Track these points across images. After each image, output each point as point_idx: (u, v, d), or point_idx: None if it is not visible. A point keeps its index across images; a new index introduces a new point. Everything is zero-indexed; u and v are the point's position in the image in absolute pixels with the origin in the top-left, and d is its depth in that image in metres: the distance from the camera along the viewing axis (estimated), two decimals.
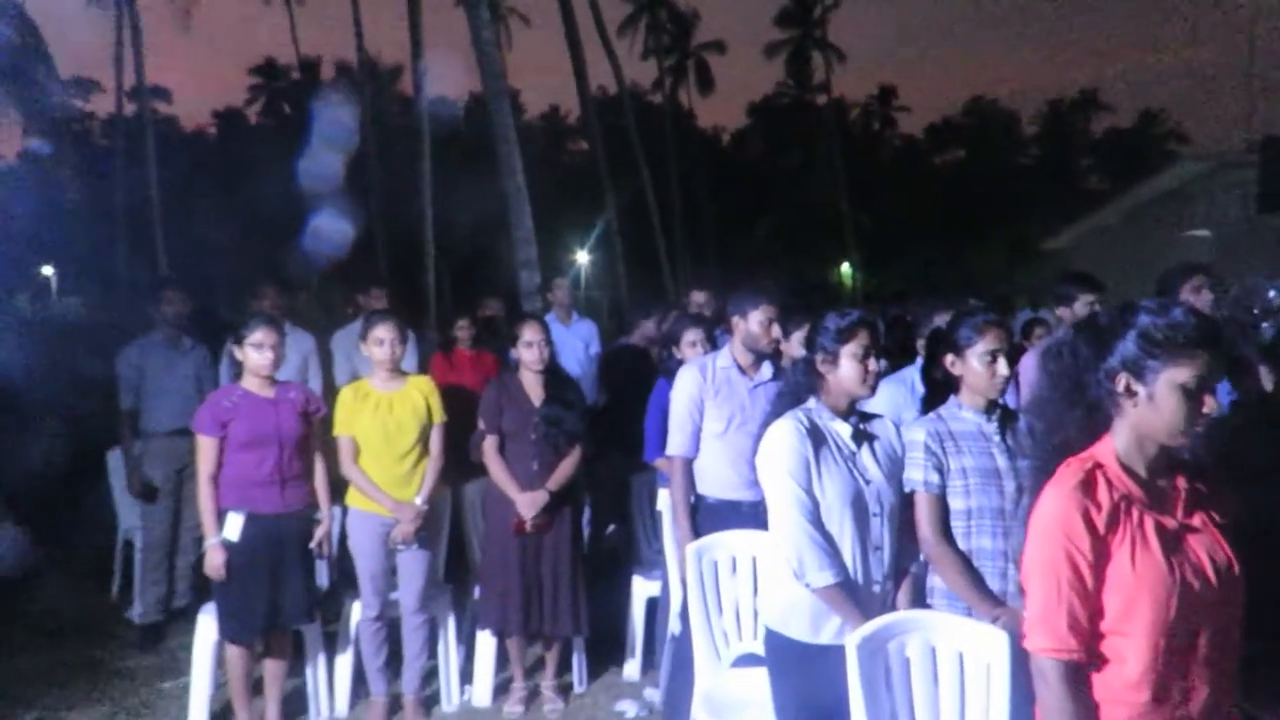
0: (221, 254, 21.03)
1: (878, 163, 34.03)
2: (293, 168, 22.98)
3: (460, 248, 25.29)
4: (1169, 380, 1.64)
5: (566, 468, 4.01)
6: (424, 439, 4.01)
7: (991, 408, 2.62)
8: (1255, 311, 2.36)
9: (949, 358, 2.64)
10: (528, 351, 3.99)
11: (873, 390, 2.58)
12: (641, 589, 4.45)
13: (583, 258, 32.84)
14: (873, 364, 2.54)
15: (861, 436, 2.61)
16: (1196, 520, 1.71)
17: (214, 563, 3.60)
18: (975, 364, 2.58)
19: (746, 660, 3.15)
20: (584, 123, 26.32)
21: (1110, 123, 32.59)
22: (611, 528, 5.29)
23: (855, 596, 2.50)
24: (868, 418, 2.69)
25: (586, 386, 5.37)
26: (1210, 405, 1.63)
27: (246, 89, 44.16)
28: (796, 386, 2.65)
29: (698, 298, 5.48)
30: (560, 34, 22.54)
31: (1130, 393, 1.69)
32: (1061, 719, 1.68)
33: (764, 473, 2.59)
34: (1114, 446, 1.74)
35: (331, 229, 19.39)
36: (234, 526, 3.60)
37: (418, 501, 3.96)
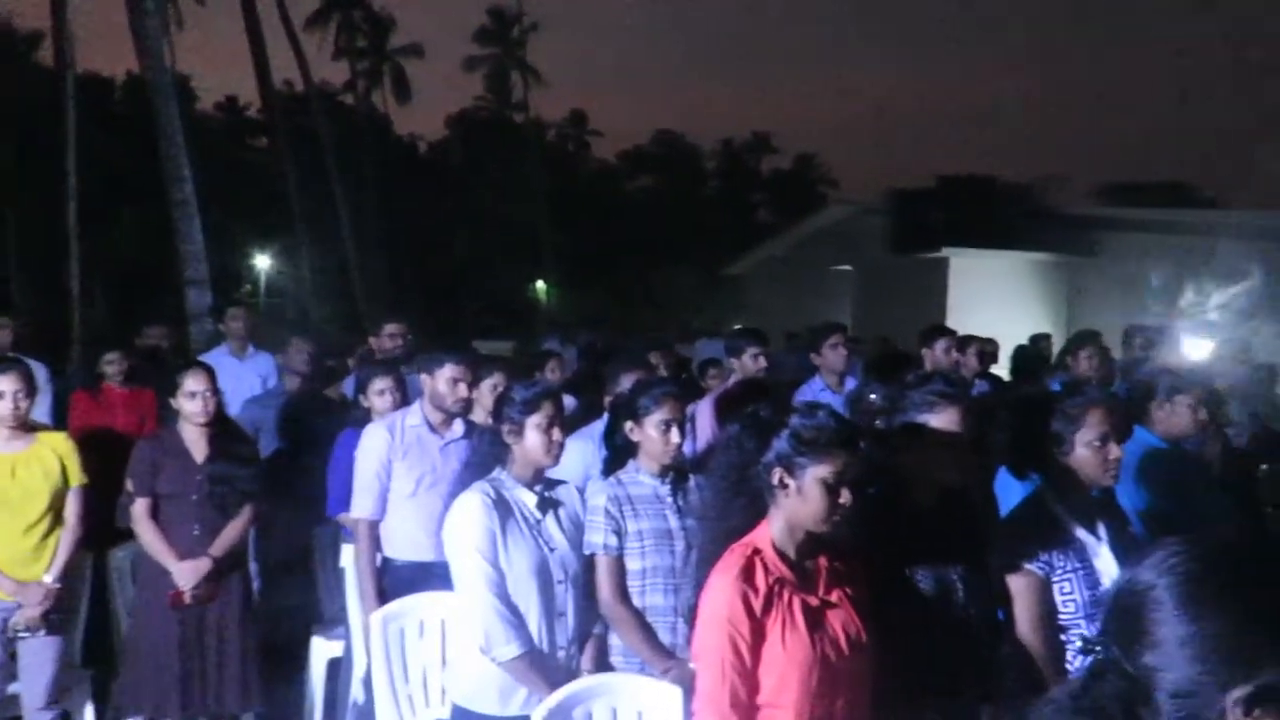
0: None
1: (575, 185, 35.23)
2: None
3: (118, 262, 22.29)
4: (815, 475, 1.84)
5: (234, 530, 3.66)
6: (57, 506, 3.47)
7: (666, 471, 2.78)
8: (864, 416, 2.75)
9: (629, 424, 2.77)
10: (190, 403, 3.59)
11: (556, 460, 2.64)
12: (322, 650, 4.17)
13: (263, 262, 30.50)
14: (556, 434, 2.60)
15: (546, 504, 2.66)
16: (835, 596, 1.93)
17: None
18: (652, 432, 2.73)
19: None
20: (266, 118, 24.47)
21: (776, 164, 36.62)
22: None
23: (542, 665, 2.54)
24: (552, 485, 2.75)
25: (266, 427, 4.97)
26: (846, 498, 1.86)
27: None
28: (484, 456, 2.66)
29: (390, 329, 5.28)
30: (239, 17, 20.79)
31: (784, 485, 1.88)
32: None
33: (450, 548, 2.57)
34: (770, 533, 1.92)
35: None
36: None
37: (47, 579, 3.41)
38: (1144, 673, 0.98)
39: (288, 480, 4.41)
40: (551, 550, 2.62)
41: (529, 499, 2.64)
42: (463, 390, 3.37)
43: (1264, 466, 4.69)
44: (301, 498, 4.40)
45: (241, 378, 5.48)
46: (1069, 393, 2.38)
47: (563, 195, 32.49)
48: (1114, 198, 23.49)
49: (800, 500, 1.86)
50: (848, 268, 17.67)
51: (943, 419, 2.14)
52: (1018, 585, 2.25)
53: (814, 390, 4.47)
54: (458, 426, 3.50)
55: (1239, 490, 4.22)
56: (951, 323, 13.01)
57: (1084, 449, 2.30)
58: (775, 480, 1.88)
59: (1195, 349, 6.26)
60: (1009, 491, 2.84)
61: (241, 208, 26.08)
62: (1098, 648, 1.06)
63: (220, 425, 3.72)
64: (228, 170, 26.14)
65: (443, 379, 3.36)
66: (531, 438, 2.58)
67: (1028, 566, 2.25)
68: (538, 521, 2.62)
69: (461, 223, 31.59)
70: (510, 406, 2.60)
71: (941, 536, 2.16)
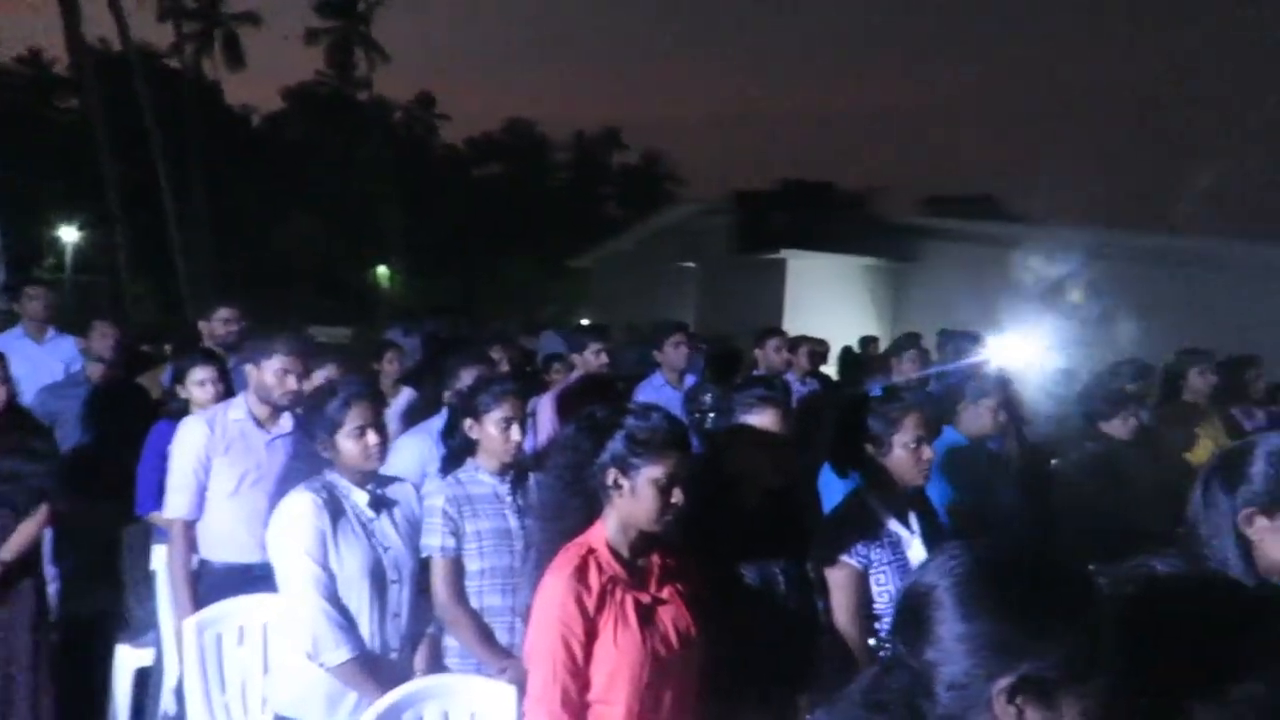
0: None
1: (421, 169, 34.18)
2: None
3: None
4: (647, 476, 1.88)
5: (27, 532, 3.34)
6: None
7: (506, 470, 2.76)
8: (696, 415, 2.84)
9: (468, 422, 2.73)
10: None
11: (378, 462, 2.57)
12: (129, 659, 3.88)
13: (70, 234, 27.90)
14: (372, 438, 2.52)
15: (380, 504, 2.59)
16: (666, 593, 1.98)
17: None
18: (492, 430, 2.70)
19: None
20: (76, 76, 22.32)
21: (625, 159, 36.94)
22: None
23: (374, 669, 2.47)
24: (386, 483, 2.67)
25: (67, 419, 4.55)
26: (677, 498, 1.90)
27: None
28: (313, 453, 2.56)
29: (223, 314, 4.94)
30: None
31: (618, 486, 1.91)
32: None
33: (276, 549, 2.46)
34: (605, 532, 1.95)
35: None
36: None
37: None
38: (925, 667, 1.07)
39: (90, 477, 4.07)
40: (386, 550, 2.55)
41: (361, 498, 2.55)
42: (292, 382, 3.20)
43: (1055, 461, 5.16)
44: (107, 496, 4.07)
45: (39, 363, 5.01)
46: (888, 396, 2.54)
47: (408, 179, 31.46)
48: (935, 208, 25.15)
49: (634, 500, 1.90)
50: (692, 265, 18.09)
51: (763, 419, 2.24)
52: (836, 578, 2.38)
53: (654, 386, 4.55)
54: (285, 421, 3.33)
55: (1034, 483, 4.62)
56: (788, 322, 13.64)
57: (901, 450, 2.46)
58: (610, 481, 1.91)
59: (1001, 353, 6.82)
60: (831, 489, 2.99)
61: (46, 173, 23.75)
62: (887, 645, 1.14)
63: (11, 416, 3.38)
64: (30, 131, 23.73)
65: (270, 370, 3.18)
66: (347, 447, 2.50)
67: (846, 560, 2.38)
68: (371, 521, 2.55)
69: (297, 201, 30.02)
70: (316, 424, 2.51)
71: (764, 533, 2.26)
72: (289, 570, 2.43)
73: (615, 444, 1.90)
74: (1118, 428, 3.69)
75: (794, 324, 12.38)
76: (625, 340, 9.55)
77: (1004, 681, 1.02)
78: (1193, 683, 1.29)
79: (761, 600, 2.25)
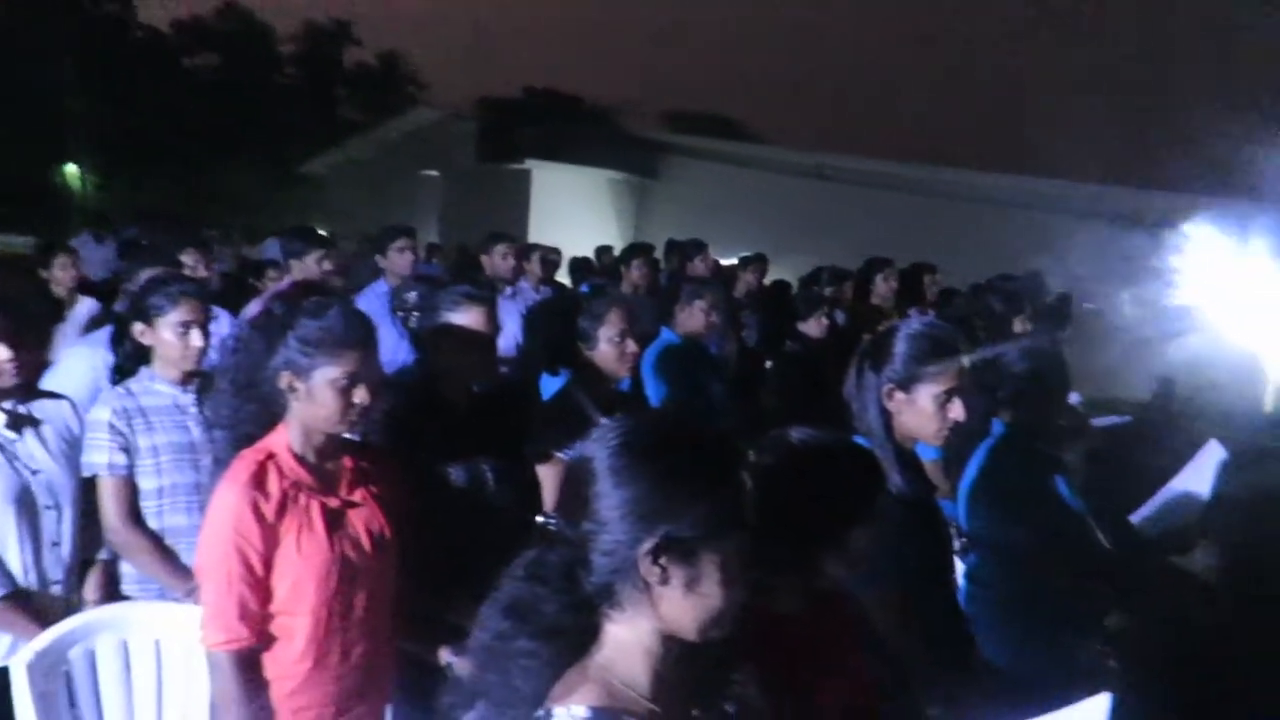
0: None
1: (119, 54, 29.69)
2: None
3: None
4: (324, 378, 1.76)
5: None
6: None
7: (189, 379, 2.51)
8: (401, 314, 2.72)
9: (139, 326, 2.44)
10: None
11: (12, 379, 2.24)
12: None
13: None
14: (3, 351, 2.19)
15: (23, 422, 2.26)
16: (359, 496, 1.90)
17: None
18: (167, 335, 2.43)
19: None
20: None
21: (360, 57, 34.25)
22: None
23: (28, 606, 2.20)
24: (33, 398, 2.33)
25: None
26: (362, 397, 1.80)
27: None
28: None
29: None
30: None
31: (293, 389, 1.78)
32: (235, 707, 1.73)
33: None
34: (287, 437, 1.82)
35: None
36: None
37: None
38: (582, 538, 1.09)
39: None
40: (35, 473, 2.24)
41: None
42: None
43: (769, 363, 5.57)
44: None
45: None
46: (594, 294, 2.57)
47: (100, 65, 27.27)
48: (677, 125, 25.87)
49: (312, 403, 1.78)
50: (435, 174, 17.41)
51: (469, 318, 2.18)
52: (546, 473, 2.41)
53: (377, 294, 4.34)
54: None
55: (748, 383, 4.97)
56: (534, 234, 13.56)
57: (606, 344, 2.51)
58: (284, 384, 1.78)
59: (728, 263, 7.20)
60: (547, 387, 3.02)
61: None
62: (553, 521, 1.15)
63: None
64: None
65: None
66: None
67: (557, 455, 2.42)
68: (12, 443, 2.22)
69: None
70: None
71: (471, 431, 2.22)
72: None
73: (288, 346, 1.76)
74: (813, 328, 4.02)
75: (539, 236, 12.32)
76: (357, 251, 9.07)
77: (648, 544, 1.05)
78: (820, 533, 1.44)
79: (468, 499, 2.23)
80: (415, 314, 2.23)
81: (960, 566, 2.51)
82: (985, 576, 2.47)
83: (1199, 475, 2.91)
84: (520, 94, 18.25)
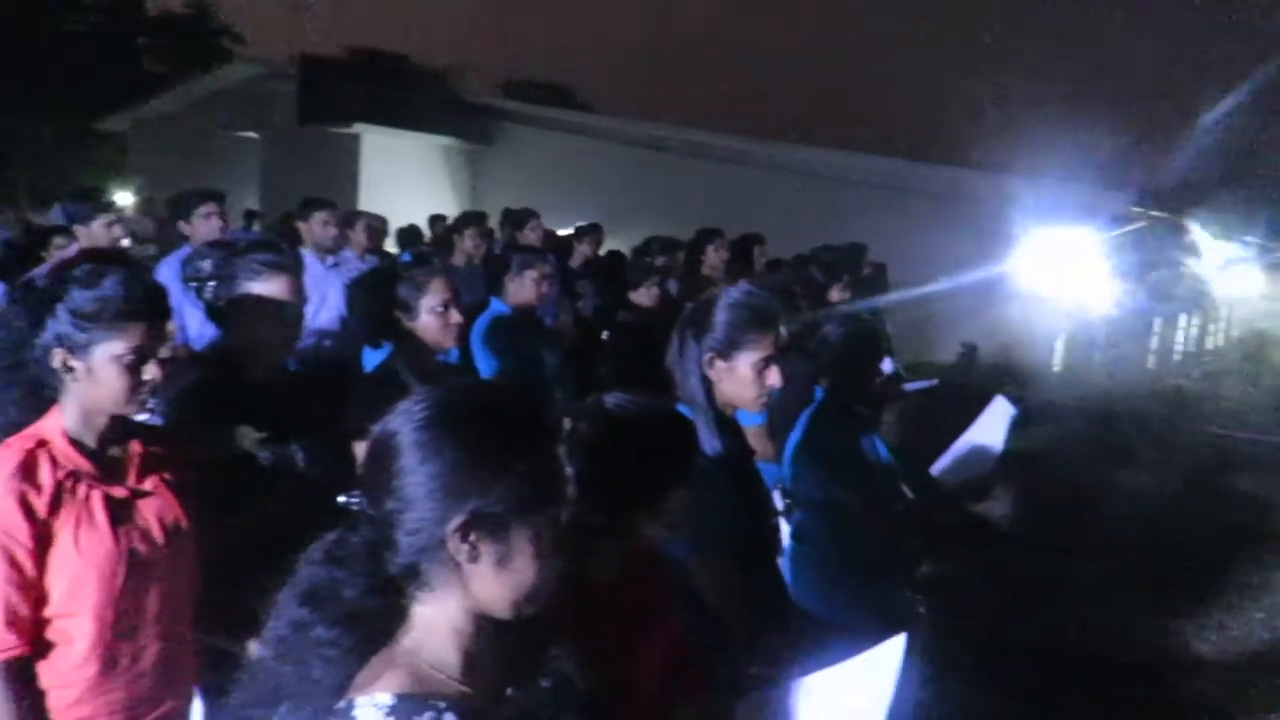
0: None
1: None
2: None
3: None
4: (106, 353, 1.60)
5: None
6: None
7: None
8: (194, 284, 2.51)
9: None
10: None
11: None
12: None
13: None
14: None
15: None
16: (150, 483, 1.73)
17: None
18: None
19: None
20: None
21: (166, 4, 31.35)
22: None
23: None
24: None
25: None
26: (152, 373, 1.65)
27: None
28: None
29: None
30: None
31: (69, 368, 1.60)
32: (7, 719, 1.56)
33: None
34: (63, 422, 1.64)
35: None
36: None
37: None
38: (387, 517, 1.03)
39: None
40: None
41: None
42: None
43: (605, 334, 5.58)
44: None
45: None
46: (415, 262, 2.47)
47: None
48: (513, 92, 25.36)
49: (93, 383, 1.61)
50: (253, 135, 16.29)
51: (271, 287, 2.04)
52: (361, 449, 2.30)
53: (180, 261, 4.01)
54: None
55: (585, 353, 4.95)
56: (364, 202, 12.98)
57: (429, 315, 2.42)
58: (58, 363, 1.59)
59: (565, 232, 7.15)
60: (369, 360, 2.89)
61: None
62: (355, 500, 1.08)
63: None
64: None
65: None
66: None
67: (375, 430, 2.31)
68: None
69: None
70: None
71: (280, 409, 2.09)
72: None
73: (58, 320, 1.58)
74: (644, 297, 4.04)
75: (370, 204, 11.79)
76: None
77: (456, 521, 1.01)
78: (636, 497, 1.44)
79: (276, 481, 2.09)
80: (210, 284, 2.04)
81: (786, 526, 2.62)
82: (809, 534, 2.58)
83: (990, 430, 3.15)
84: (344, 53, 17.20)
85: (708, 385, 1.92)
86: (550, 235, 6.59)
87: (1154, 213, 13.63)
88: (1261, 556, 5.06)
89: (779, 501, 2.58)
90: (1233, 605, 4.48)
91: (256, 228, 9.13)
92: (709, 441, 1.86)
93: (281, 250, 2.10)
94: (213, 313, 2.07)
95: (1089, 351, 13.43)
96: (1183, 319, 16.44)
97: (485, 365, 3.43)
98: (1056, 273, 11.29)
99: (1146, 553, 4.91)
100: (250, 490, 2.02)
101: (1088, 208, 11.74)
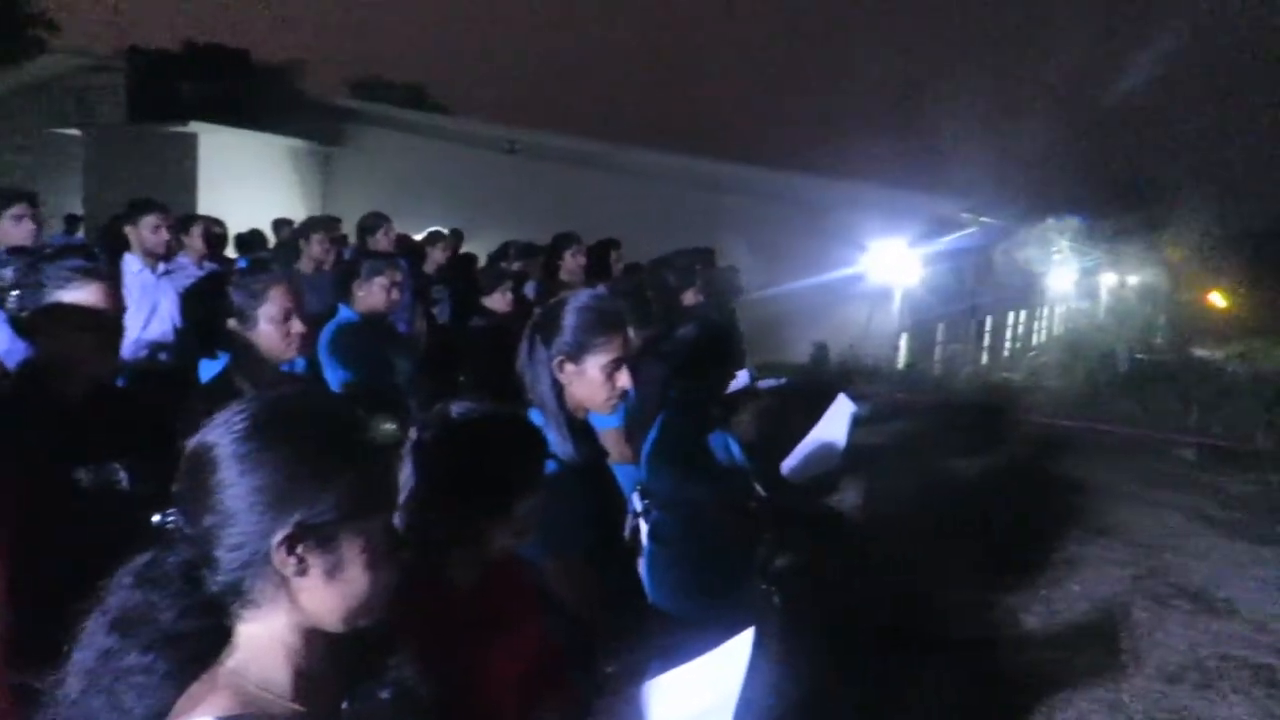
0: None
1: None
2: None
3: None
4: None
5: None
6: None
7: None
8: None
9: None
10: None
11: None
12: None
13: None
14: None
15: None
16: None
17: None
18: None
19: None
20: None
21: None
22: None
23: None
24: None
25: None
26: None
27: None
28: None
29: None
30: None
31: None
32: None
33: None
34: None
35: None
36: None
37: None
38: (205, 534, 0.98)
39: None
40: None
41: None
42: None
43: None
44: None
45: None
46: (252, 269, 2.35)
47: None
48: (363, 92, 24.58)
49: None
50: (76, 132, 15.09)
51: (84, 295, 1.89)
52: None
53: None
54: None
55: (442, 359, 4.85)
56: (203, 204, 12.27)
57: (268, 324, 2.30)
58: None
59: (419, 237, 6.98)
60: (205, 371, 2.73)
61: None
62: (170, 518, 1.02)
63: None
64: None
65: None
66: None
67: (190, 443, 2.18)
68: None
69: None
70: None
71: (99, 426, 1.94)
72: None
73: None
74: (498, 301, 4.00)
75: (210, 207, 11.16)
76: None
77: (280, 534, 0.96)
78: (485, 504, 1.42)
79: (98, 503, 1.94)
80: (13, 293, 1.87)
81: (645, 527, 2.64)
82: (666, 534, 2.61)
83: (834, 427, 3.29)
84: (177, 46, 16.20)
85: (558, 389, 1.92)
86: (404, 240, 6.42)
87: (984, 219, 14.65)
88: (1078, 533, 5.51)
89: (638, 503, 2.61)
90: (1055, 580, 4.85)
91: (80, 233, 8.45)
92: (560, 445, 1.86)
93: (93, 255, 1.95)
94: (18, 325, 1.89)
95: (929, 349, 14.28)
96: (1011, 317, 17.70)
97: (333, 375, 3.31)
98: (899, 275, 11.96)
99: (980, 535, 5.25)
100: (66, 514, 1.87)
101: (925, 213, 12.50)
